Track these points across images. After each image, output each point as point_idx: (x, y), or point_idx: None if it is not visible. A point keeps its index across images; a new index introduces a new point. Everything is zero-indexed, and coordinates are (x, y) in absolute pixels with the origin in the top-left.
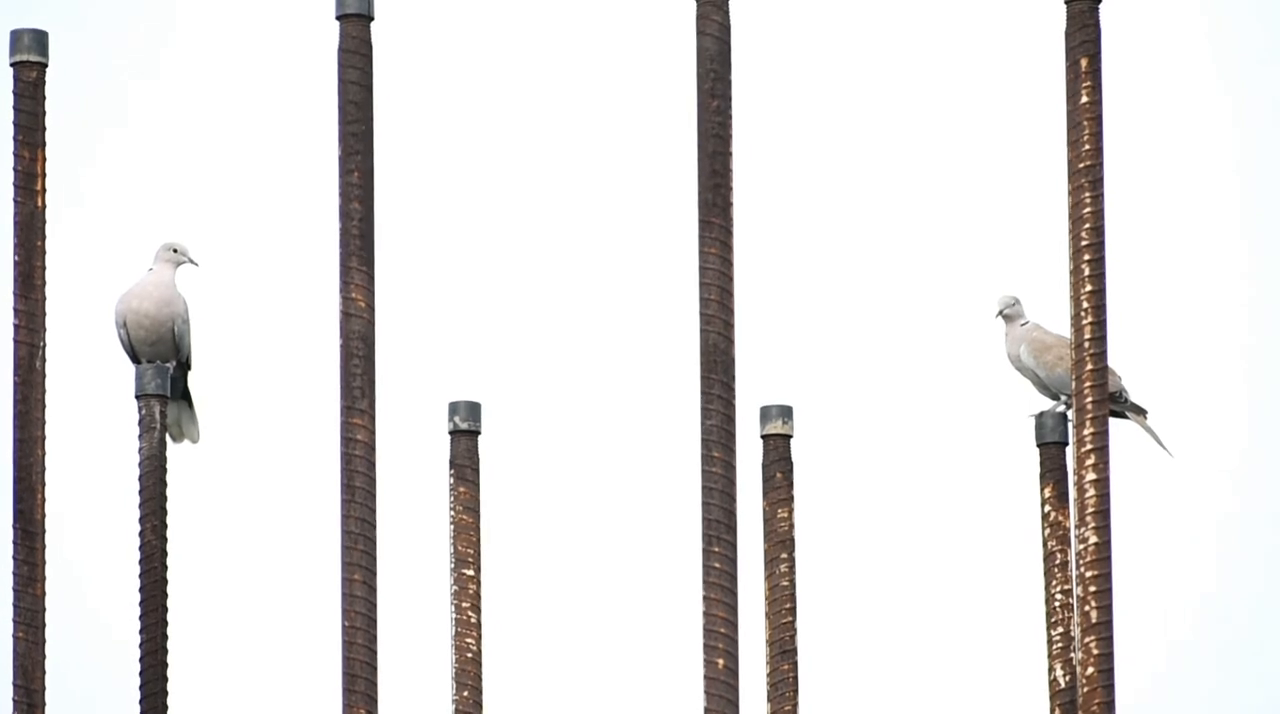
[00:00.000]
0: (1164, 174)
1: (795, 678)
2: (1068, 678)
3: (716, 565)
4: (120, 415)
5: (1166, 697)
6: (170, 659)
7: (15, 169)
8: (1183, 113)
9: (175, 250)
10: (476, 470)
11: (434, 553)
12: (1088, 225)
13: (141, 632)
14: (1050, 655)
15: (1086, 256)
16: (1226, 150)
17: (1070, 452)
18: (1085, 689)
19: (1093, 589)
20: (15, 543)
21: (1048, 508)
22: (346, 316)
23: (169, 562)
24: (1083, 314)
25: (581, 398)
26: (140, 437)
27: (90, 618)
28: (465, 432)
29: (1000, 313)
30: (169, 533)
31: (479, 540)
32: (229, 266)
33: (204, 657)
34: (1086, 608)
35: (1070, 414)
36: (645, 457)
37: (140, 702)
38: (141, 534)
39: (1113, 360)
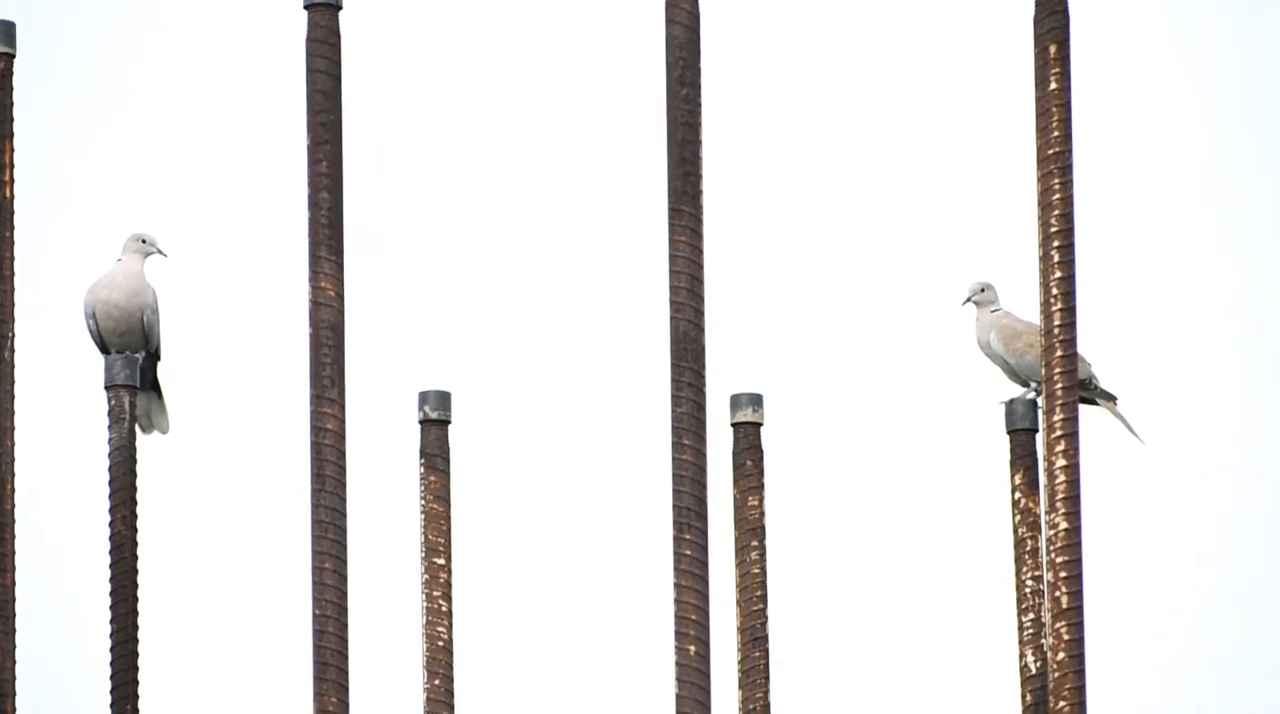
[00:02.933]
0: (1133, 160)
1: (766, 665)
2: (1039, 664)
3: (687, 553)
4: (90, 406)
5: (1137, 681)
6: (141, 649)
7: None
8: (1152, 99)
9: (144, 241)
10: (447, 460)
11: (404, 542)
12: (1057, 212)
13: (112, 622)
14: (1021, 641)
15: (1056, 243)
16: (1196, 136)
17: (1040, 438)
18: (1056, 675)
19: (1063, 575)
20: None
21: (1018, 494)
22: (316, 306)
23: (139, 552)
24: (1052, 301)
25: (552, 387)
26: (110, 427)
27: (60, 608)
28: (435, 421)
29: (969, 300)
30: (139, 523)
31: (450, 529)
32: (198, 257)
33: (175, 646)
34: (1057, 594)
35: (1040, 401)
36: (616, 445)
37: (111, 691)
38: (111, 524)
39: (1082, 347)
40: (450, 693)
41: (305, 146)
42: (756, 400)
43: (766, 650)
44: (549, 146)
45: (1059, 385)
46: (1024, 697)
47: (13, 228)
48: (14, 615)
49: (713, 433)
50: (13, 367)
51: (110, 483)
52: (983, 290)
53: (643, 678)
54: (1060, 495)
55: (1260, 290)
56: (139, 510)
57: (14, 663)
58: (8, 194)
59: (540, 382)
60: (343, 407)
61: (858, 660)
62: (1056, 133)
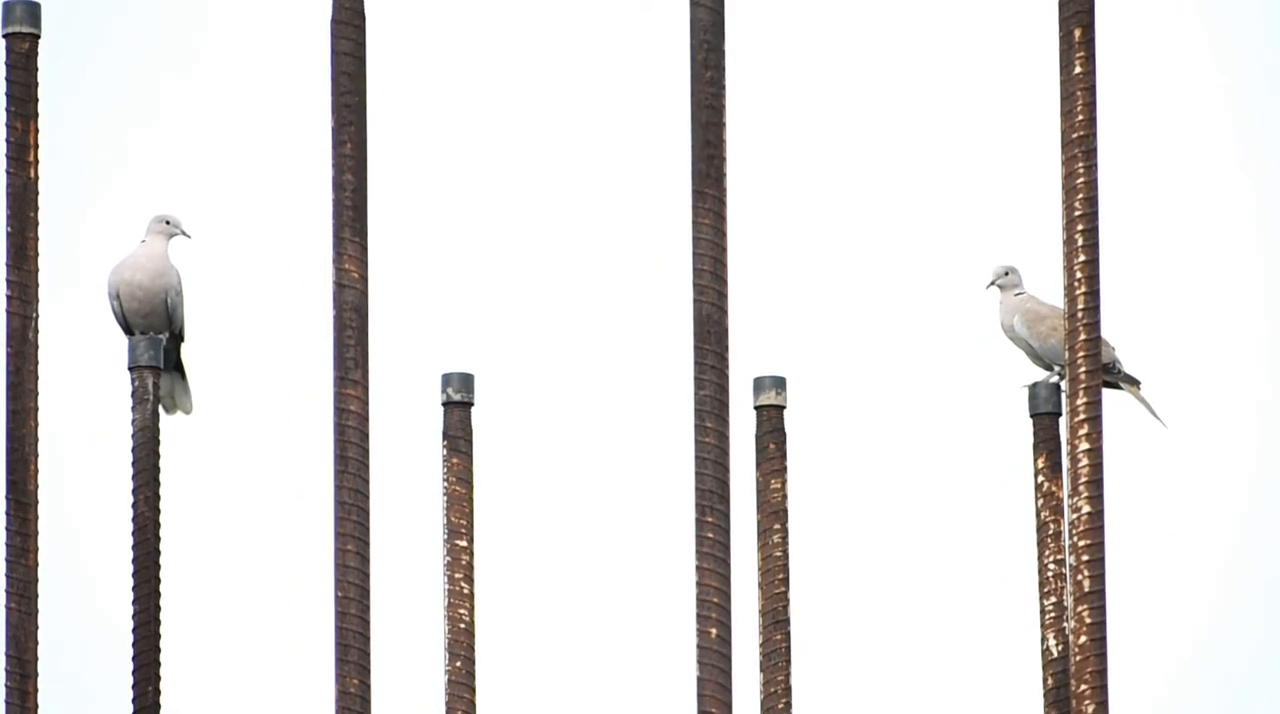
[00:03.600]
0: (1158, 144)
1: (788, 648)
2: (1060, 647)
3: (710, 536)
4: (113, 387)
5: (1159, 665)
6: (163, 630)
7: (8, 140)
8: (1177, 82)
9: (168, 222)
10: (469, 441)
11: (427, 524)
12: (1081, 196)
13: (134, 603)
14: (1043, 625)
15: (1080, 227)
16: (1222, 119)
17: (1063, 422)
18: (1078, 658)
19: (1085, 558)
20: (8, 514)
21: (1041, 478)
22: (340, 287)
23: (162, 533)
24: (1076, 284)
25: (574, 369)
26: (133, 408)
27: (83, 589)
28: (458, 403)
29: (993, 283)
30: (162, 504)
31: (472, 511)
32: (222, 238)
33: (197, 628)
34: (1079, 577)
35: (1063, 384)
36: (638, 427)
37: (133, 673)
38: (134, 505)
39: (1106, 331)
40: (472, 675)
41: (330, 128)
42: (779, 383)
43: (788, 633)
44: (573, 129)
45: (1082, 369)
46: (1045, 680)
47: (37, 209)
48: (37, 596)
49: (735, 416)
50: (37, 347)
51: (133, 464)
52: (1007, 273)
53: (664, 660)
54: (1083, 479)
55: None
56: (162, 491)
57: (36, 643)
58: (32, 175)
59: (563, 364)
60: (366, 388)
61: (880, 644)
62: (1081, 116)
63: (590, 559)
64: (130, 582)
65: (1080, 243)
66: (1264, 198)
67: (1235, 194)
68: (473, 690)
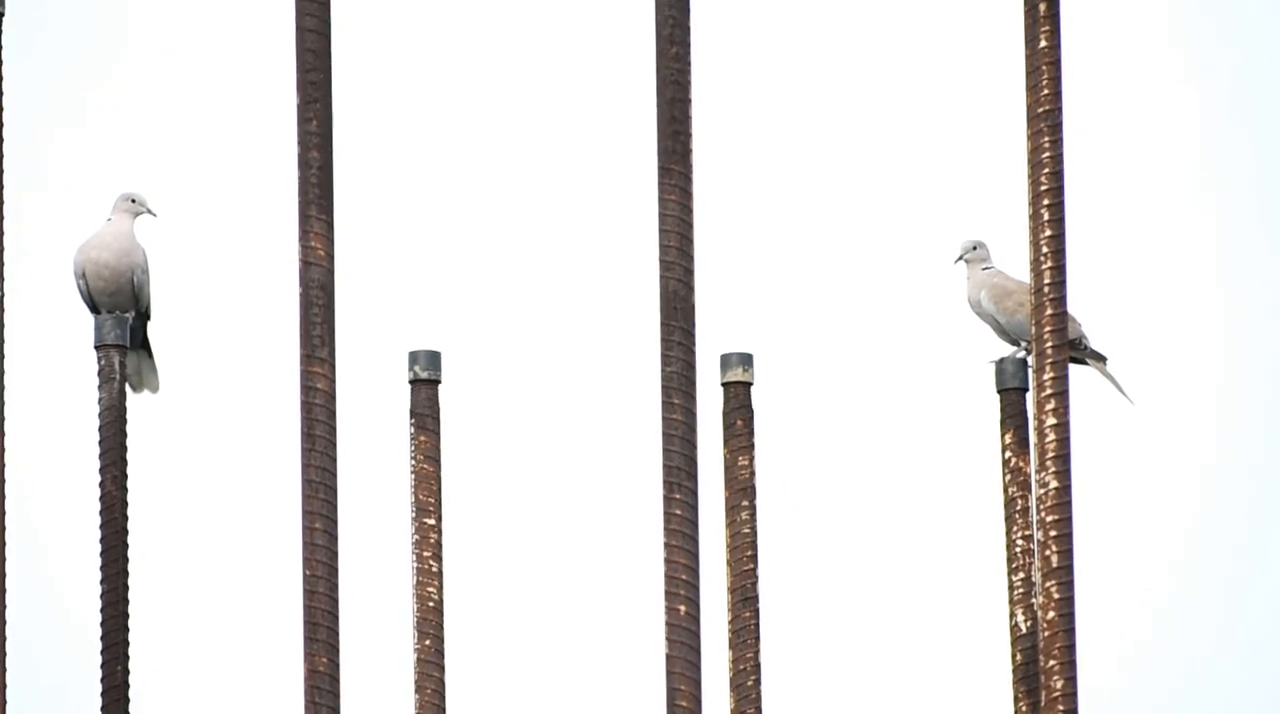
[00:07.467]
0: (1123, 118)
1: (757, 625)
2: (1029, 623)
3: (677, 512)
4: (79, 366)
5: (1127, 640)
6: (131, 609)
7: None
8: (1141, 56)
9: (133, 200)
10: (437, 419)
11: (395, 502)
12: (1047, 170)
13: (102, 582)
14: (1011, 601)
15: (1046, 201)
16: (1185, 94)
17: (1030, 397)
18: (1046, 634)
19: (1053, 534)
20: None
21: (1008, 454)
22: (306, 265)
23: (129, 512)
24: (1042, 259)
25: (542, 346)
26: (100, 387)
27: (50, 569)
28: (425, 381)
29: (960, 257)
30: (129, 483)
31: (440, 489)
32: (188, 216)
33: (165, 607)
34: (1047, 553)
35: (1030, 360)
36: (606, 404)
37: (101, 653)
38: (102, 485)
39: (1072, 306)
40: (441, 653)
41: (295, 105)
42: (746, 360)
43: (757, 610)
44: (539, 106)
45: (1049, 344)
46: (1014, 656)
47: (1, 187)
48: (4, 576)
49: (703, 392)
50: (2, 326)
51: (100, 443)
52: (975, 248)
53: (633, 638)
54: (1050, 454)
55: (1247, 251)
56: (129, 470)
57: (4, 623)
58: None
59: (530, 340)
60: (333, 366)
61: (848, 621)
62: (1046, 91)
63: (558, 537)
64: (98, 561)
65: (1046, 217)
66: (1229, 173)
67: (1201, 169)
68: (442, 669)
